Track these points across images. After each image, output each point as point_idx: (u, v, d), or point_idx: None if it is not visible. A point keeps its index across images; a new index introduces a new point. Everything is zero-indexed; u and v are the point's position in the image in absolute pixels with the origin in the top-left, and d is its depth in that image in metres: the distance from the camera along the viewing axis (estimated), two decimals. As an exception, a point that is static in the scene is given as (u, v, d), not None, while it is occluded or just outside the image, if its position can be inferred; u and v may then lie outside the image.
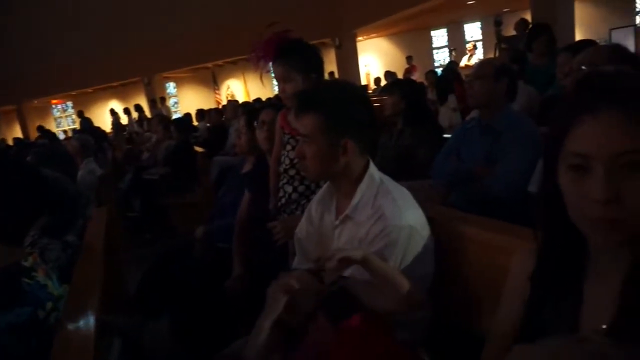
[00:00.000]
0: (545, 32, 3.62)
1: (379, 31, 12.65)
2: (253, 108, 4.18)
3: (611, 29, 9.55)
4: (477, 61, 8.24)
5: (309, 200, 1.62)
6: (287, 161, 1.77)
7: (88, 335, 1.02)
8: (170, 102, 15.29)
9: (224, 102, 12.80)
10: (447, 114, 4.43)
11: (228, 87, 15.50)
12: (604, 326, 0.68)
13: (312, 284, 1.06)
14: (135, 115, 11.74)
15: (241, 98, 13.39)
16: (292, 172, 1.75)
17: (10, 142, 10.43)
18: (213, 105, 12.14)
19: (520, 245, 0.89)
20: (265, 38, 1.72)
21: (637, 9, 10.58)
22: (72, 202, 2.09)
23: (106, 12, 11.69)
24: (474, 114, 2.53)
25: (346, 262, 0.96)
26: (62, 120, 16.87)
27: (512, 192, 1.79)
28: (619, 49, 1.59)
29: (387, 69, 10.90)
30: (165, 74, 14.17)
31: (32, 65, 12.42)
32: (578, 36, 6.07)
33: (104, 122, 12.97)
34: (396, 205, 1.16)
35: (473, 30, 13.02)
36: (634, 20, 10.29)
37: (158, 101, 12.67)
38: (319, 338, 0.98)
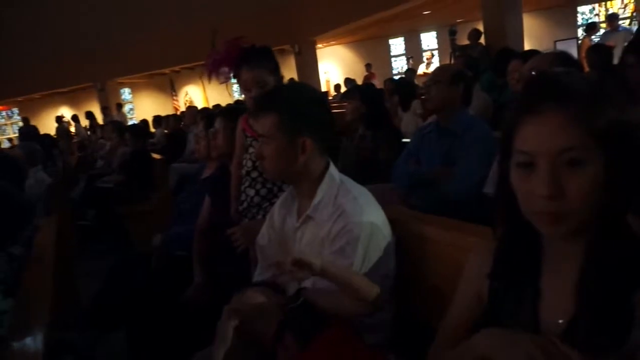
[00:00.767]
0: (516, 56, 3.64)
1: (338, 39, 12.80)
2: (212, 113, 4.11)
3: (556, 41, 10.15)
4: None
5: (271, 203, 1.61)
6: (250, 164, 1.76)
7: (36, 353, 0.96)
8: (126, 108, 14.79)
9: (182, 109, 12.52)
10: (412, 120, 4.33)
11: (186, 94, 15.18)
12: (561, 321, 0.70)
13: (270, 301, 1.05)
14: (85, 122, 11.24)
15: (200, 104, 13.14)
16: (254, 174, 1.73)
17: (-50, 151, 9.74)
18: (171, 112, 11.79)
19: (478, 244, 0.92)
20: (225, 45, 1.71)
21: (579, 23, 11.40)
22: (17, 212, 1.97)
23: (56, 15, 11.16)
24: (431, 119, 2.60)
25: (305, 266, 0.94)
26: (7, 127, 15.98)
27: (471, 193, 1.84)
28: (564, 56, 1.71)
29: (347, 76, 11.05)
30: (120, 80, 13.68)
31: (-27, 70, 11.69)
32: (527, 47, 6.38)
33: (52, 129, 12.33)
34: (357, 203, 1.16)
35: (429, 40, 13.44)
36: (577, 32, 11.05)
37: (113, 107, 12.20)
38: (289, 358, 0.97)
